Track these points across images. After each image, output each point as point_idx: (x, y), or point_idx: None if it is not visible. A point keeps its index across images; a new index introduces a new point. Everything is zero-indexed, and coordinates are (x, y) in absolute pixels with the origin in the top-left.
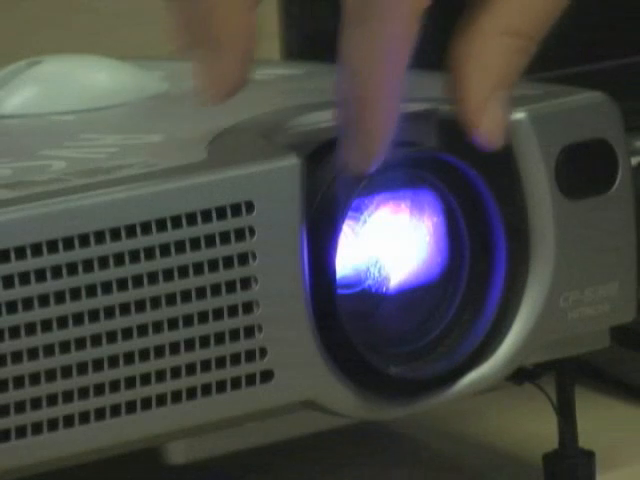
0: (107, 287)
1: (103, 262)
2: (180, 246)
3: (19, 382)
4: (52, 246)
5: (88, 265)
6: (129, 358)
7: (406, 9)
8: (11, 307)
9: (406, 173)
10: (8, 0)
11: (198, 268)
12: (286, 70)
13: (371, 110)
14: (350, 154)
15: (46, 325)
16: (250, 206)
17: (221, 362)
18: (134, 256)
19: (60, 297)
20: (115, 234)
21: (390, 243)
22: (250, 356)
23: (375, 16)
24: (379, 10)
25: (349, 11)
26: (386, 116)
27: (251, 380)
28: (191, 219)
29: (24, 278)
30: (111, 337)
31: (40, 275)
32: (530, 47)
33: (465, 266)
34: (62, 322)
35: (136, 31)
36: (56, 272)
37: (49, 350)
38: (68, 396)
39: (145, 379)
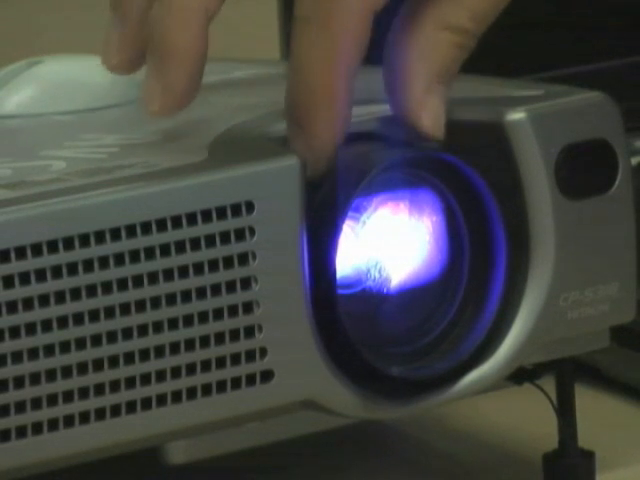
0: (107, 287)
1: (103, 262)
2: (180, 246)
3: (19, 382)
4: (52, 246)
5: (88, 265)
6: (129, 358)
7: (357, 7)
8: (11, 307)
9: (406, 173)
10: (9, 0)
11: (198, 268)
12: (286, 70)
13: (320, 112)
14: (302, 155)
15: (46, 325)
16: (250, 206)
17: (221, 362)
18: (134, 256)
19: (60, 297)
20: (115, 234)
21: (390, 243)
22: (250, 356)
23: (325, 15)
24: (329, 8)
25: (298, 8)
26: (334, 118)
27: (251, 380)
28: (191, 219)
29: (24, 278)
30: (111, 337)
31: (40, 275)
32: (470, 43)
33: (465, 266)
34: (62, 322)
35: None
36: (56, 272)
37: (49, 350)
38: (68, 396)
39: (145, 379)
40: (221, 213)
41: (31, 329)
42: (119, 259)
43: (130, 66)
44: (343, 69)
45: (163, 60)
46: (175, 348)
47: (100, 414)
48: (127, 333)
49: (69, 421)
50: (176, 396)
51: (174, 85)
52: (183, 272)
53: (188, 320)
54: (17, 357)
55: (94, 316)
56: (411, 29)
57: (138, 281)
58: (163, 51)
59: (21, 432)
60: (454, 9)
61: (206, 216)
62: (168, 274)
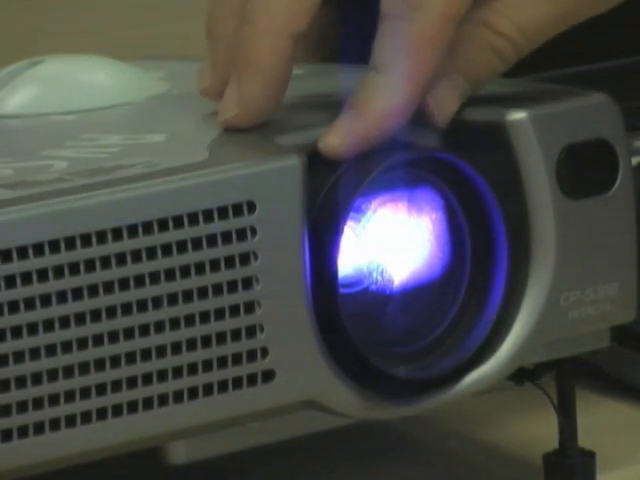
0: (109, 287)
1: (105, 262)
2: (182, 246)
3: (21, 382)
4: (54, 246)
5: (90, 265)
6: (131, 358)
7: (442, 15)
8: (13, 307)
9: (407, 173)
10: (9, 0)
11: (200, 268)
12: None
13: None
14: (347, 134)
15: (48, 325)
16: (252, 206)
17: (223, 362)
18: (136, 256)
19: (62, 297)
20: (117, 234)
21: (392, 243)
22: (252, 356)
23: (410, 15)
24: (416, 10)
25: (386, 7)
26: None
27: (253, 380)
28: (193, 219)
29: (26, 278)
30: (113, 337)
31: (42, 275)
32: (508, 51)
33: (466, 266)
34: (64, 322)
35: (136, 31)
36: (58, 272)
37: (51, 350)
38: (70, 396)
39: (147, 379)
40: (223, 213)
41: (33, 329)
42: (121, 259)
43: (220, 91)
44: (424, 70)
45: (243, 73)
46: (177, 348)
47: (102, 414)
48: (129, 333)
49: (71, 421)
50: (178, 396)
51: (251, 98)
52: (185, 272)
53: (190, 320)
54: (19, 357)
55: (96, 316)
56: None
57: (140, 281)
58: (245, 65)
59: (23, 432)
60: (497, 10)
61: (208, 216)
62: (170, 274)
